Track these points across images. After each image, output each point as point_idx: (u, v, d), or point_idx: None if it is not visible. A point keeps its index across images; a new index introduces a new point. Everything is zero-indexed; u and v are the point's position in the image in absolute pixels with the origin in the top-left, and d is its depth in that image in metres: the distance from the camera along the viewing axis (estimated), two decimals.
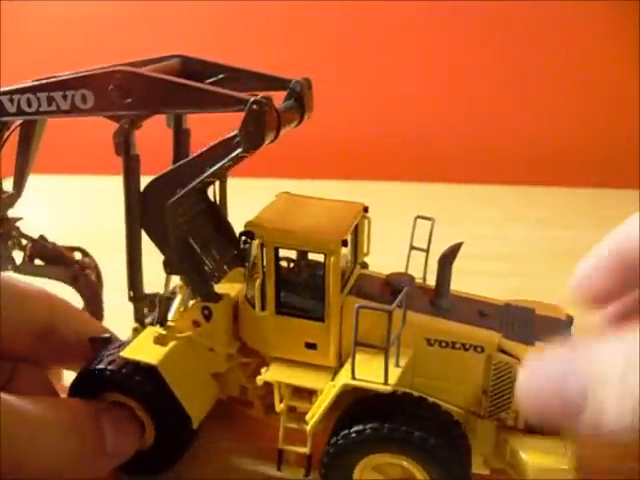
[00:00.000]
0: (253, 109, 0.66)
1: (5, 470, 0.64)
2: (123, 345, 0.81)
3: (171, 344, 0.79)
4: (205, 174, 0.71)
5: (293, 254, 0.82)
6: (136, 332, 0.84)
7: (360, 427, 0.70)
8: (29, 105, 0.76)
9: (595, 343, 0.58)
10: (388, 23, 1.95)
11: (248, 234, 0.75)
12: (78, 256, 1.01)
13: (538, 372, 0.60)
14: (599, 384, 0.55)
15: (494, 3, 1.90)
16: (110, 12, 1.92)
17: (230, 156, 0.69)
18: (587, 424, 0.55)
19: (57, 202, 1.70)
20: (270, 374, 0.78)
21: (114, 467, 0.77)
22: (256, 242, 0.75)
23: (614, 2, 1.84)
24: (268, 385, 0.77)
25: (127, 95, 0.70)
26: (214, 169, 0.71)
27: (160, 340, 0.78)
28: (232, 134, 0.68)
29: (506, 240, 1.59)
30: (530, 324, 0.77)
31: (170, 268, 0.77)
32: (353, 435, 0.70)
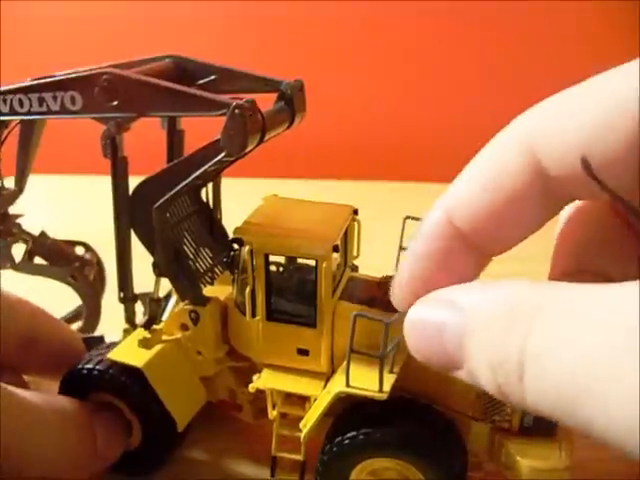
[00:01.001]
0: (235, 113, 0.65)
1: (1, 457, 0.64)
2: (112, 346, 0.81)
3: (159, 347, 0.79)
4: (191, 177, 0.71)
5: (282, 259, 0.82)
6: (127, 333, 0.84)
7: (353, 433, 0.69)
8: (21, 105, 0.76)
9: (480, 287, 0.50)
10: (386, 23, 1.94)
11: (237, 240, 0.75)
12: (81, 251, 1.01)
13: (420, 317, 0.52)
14: (468, 338, 0.47)
15: (493, 3, 1.88)
16: (108, 12, 1.92)
17: (214, 160, 0.69)
18: (468, 380, 0.48)
19: (56, 202, 1.71)
20: (262, 381, 0.77)
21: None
22: (246, 249, 0.74)
23: (614, 2, 1.83)
24: (257, 389, 0.77)
25: (113, 97, 0.70)
26: (199, 172, 0.70)
27: (144, 343, 0.78)
28: (218, 137, 0.68)
29: None
30: None
31: (159, 270, 0.77)
32: (346, 442, 0.70)
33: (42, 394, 0.75)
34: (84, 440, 0.74)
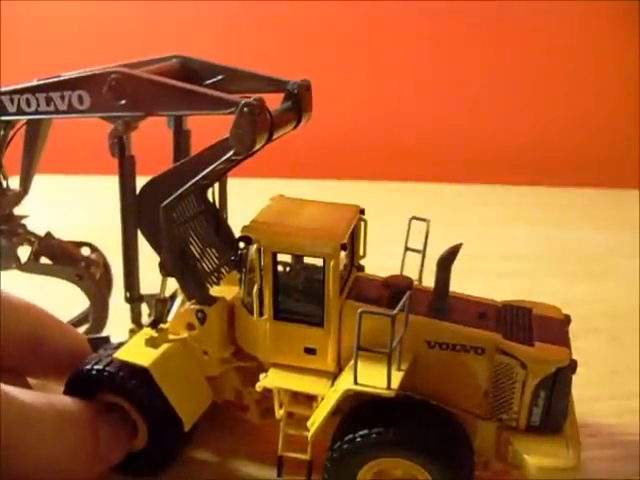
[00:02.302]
0: (244, 112, 0.65)
1: None
2: (119, 346, 0.81)
3: (165, 346, 0.79)
4: (198, 176, 0.71)
5: (289, 258, 0.82)
6: (133, 333, 0.84)
7: (365, 432, 0.69)
8: (28, 105, 0.76)
9: None
10: (387, 24, 1.95)
11: (245, 239, 0.75)
12: (86, 252, 1.01)
13: None
14: None
15: (494, 3, 1.89)
16: (111, 12, 1.93)
17: (222, 159, 0.69)
18: None
19: (62, 203, 1.71)
20: (269, 380, 0.77)
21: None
22: (254, 247, 0.74)
23: (614, 2, 1.84)
24: (264, 389, 0.77)
25: (121, 96, 0.70)
26: (207, 171, 0.70)
27: (151, 342, 0.78)
28: (226, 136, 0.68)
29: (505, 240, 1.58)
30: (528, 324, 0.76)
31: (165, 270, 0.77)
32: (358, 440, 0.70)
33: (43, 394, 0.75)
34: (85, 441, 0.73)
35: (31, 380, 0.88)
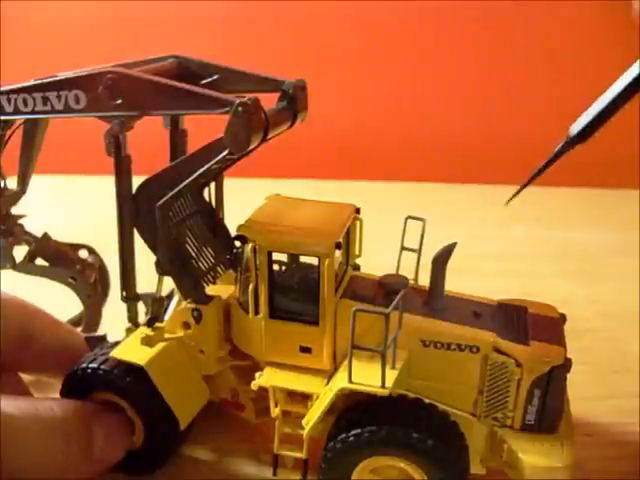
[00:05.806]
0: (239, 111, 0.66)
1: None
2: (115, 345, 0.81)
3: (161, 345, 0.79)
4: (193, 176, 0.71)
5: (284, 257, 0.82)
6: (129, 332, 0.84)
7: (358, 430, 0.70)
8: (25, 105, 0.76)
9: None
10: (387, 24, 1.95)
11: (241, 238, 0.75)
12: (84, 254, 1.01)
13: None
14: None
15: (492, 3, 1.89)
16: (109, 12, 1.93)
17: (217, 158, 0.69)
18: None
19: (59, 202, 1.71)
20: (265, 379, 0.77)
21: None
22: (249, 246, 0.74)
23: (613, 2, 1.84)
24: (259, 388, 0.77)
25: (117, 96, 0.70)
26: (202, 171, 0.71)
27: (147, 341, 0.78)
28: (221, 136, 0.68)
29: (505, 240, 1.58)
30: (523, 323, 0.76)
31: (161, 269, 0.77)
32: (351, 439, 0.70)
33: (29, 401, 0.74)
34: (75, 446, 0.72)
35: (26, 376, 0.88)
